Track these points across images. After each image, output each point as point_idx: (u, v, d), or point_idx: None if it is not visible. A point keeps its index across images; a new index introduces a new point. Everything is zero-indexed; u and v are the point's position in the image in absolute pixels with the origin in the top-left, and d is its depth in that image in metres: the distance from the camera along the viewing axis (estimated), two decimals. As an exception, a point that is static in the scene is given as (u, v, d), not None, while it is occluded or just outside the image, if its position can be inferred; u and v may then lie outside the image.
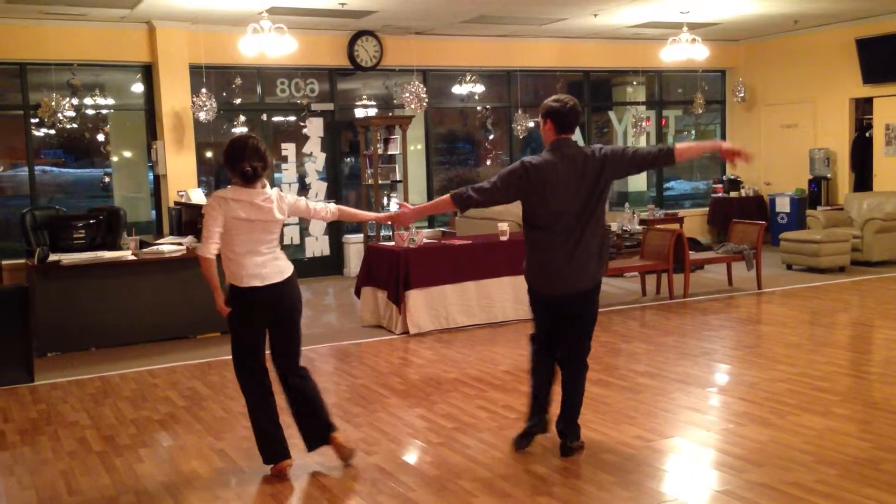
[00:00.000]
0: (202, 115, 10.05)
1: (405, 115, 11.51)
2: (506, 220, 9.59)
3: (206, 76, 10.27)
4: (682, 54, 10.58)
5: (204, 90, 10.10)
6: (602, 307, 8.64)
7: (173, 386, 6.27)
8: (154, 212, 10.83)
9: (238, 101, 10.89)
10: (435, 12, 10.18)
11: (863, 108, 12.50)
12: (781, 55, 13.23)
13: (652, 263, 9.17)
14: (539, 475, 4.23)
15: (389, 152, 11.37)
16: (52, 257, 7.48)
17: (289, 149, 11.27)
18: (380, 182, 11.20)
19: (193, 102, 10.10)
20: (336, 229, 11.61)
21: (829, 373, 5.98)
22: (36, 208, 9.41)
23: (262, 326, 4.36)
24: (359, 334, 7.87)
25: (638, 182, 14.45)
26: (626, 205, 12.60)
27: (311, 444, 4.46)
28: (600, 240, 4.41)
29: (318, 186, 11.45)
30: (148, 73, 10.43)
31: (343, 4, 9.35)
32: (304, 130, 11.34)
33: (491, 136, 12.92)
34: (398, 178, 11.41)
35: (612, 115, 13.94)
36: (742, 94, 13.49)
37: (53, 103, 9.50)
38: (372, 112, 11.88)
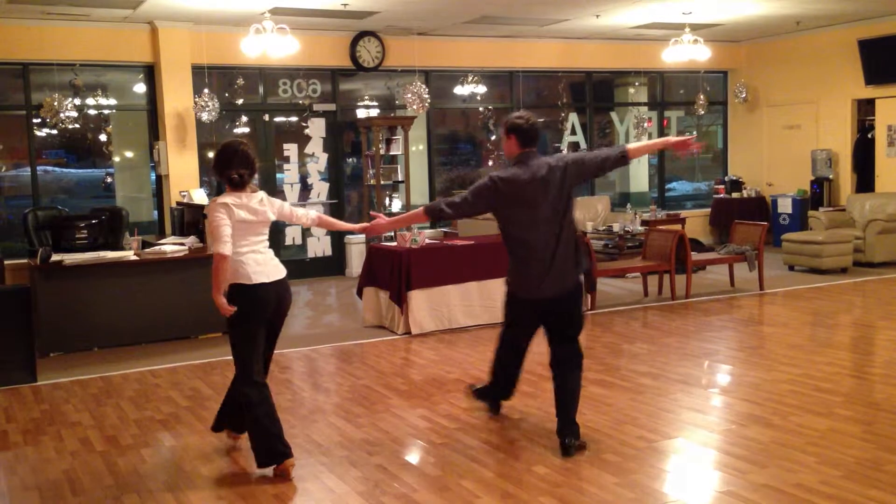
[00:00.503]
0: (204, 116, 10.06)
1: (407, 116, 11.52)
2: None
3: (208, 76, 10.28)
4: (684, 55, 10.59)
5: (206, 90, 10.11)
6: (604, 308, 8.73)
7: (175, 386, 6.28)
8: (156, 212, 10.83)
9: (240, 101, 10.90)
10: (437, 13, 10.18)
11: (865, 109, 12.49)
12: (784, 56, 13.23)
13: (654, 264, 9.16)
14: (541, 476, 4.23)
15: (391, 153, 11.38)
16: (55, 257, 7.49)
17: (291, 149, 11.27)
18: (382, 182, 11.20)
19: (196, 103, 10.11)
20: (337, 230, 11.59)
21: (832, 374, 5.98)
22: (38, 208, 9.41)
23: (266, 323, 4.42)
24: (361, 335, 7.87)
25: (640, 183, 14.45)
26: (628, 205, 12.61)
27: (218, 425, 4.80)
28: (574, 243, 4.65)
29: (321, 187, 11.45)
30: (150, 73, 10.44)
31: (345, 5, 9.36)
32: (307, 131, 11.35)
33: (493, 137, 12.91)
34: (400, 178, 11.41)
35: (613, 115, 13.93)
36: (744, 95, 13.49)
37: (56, 103, 9.52)
38: (374, 112, 11.88)
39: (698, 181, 15.11)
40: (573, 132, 13.25)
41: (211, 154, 11.40)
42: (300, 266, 11.38)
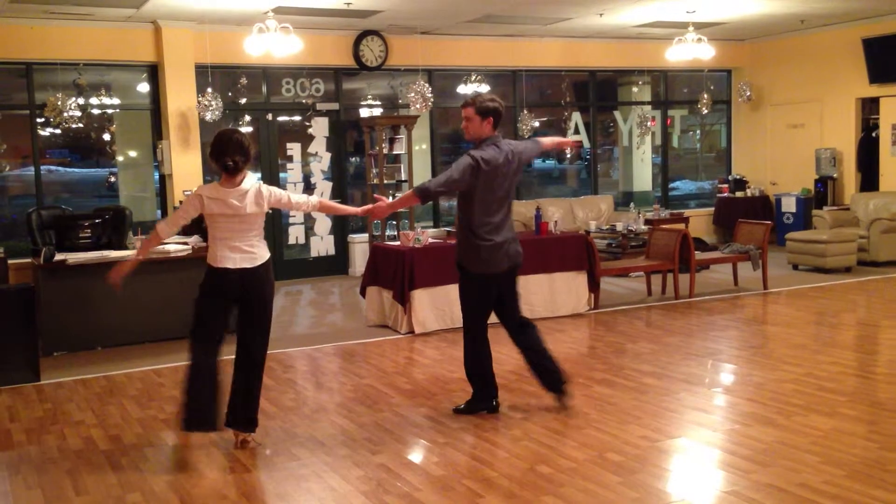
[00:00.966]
0: (208, 115, 10.06)
1: (410, 115, 11.51)
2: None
3: (211, 76, 10.28)
4: (687, 54, 10.57)
5: (209, 90, 10.11)
6: (607, 307, 8.72)
7: (178, 385, 6.24)
8: (159, 211, 10.83)
9: (243, 100, 10.90)
10: (440, 12, 10.17)
11: (869, 107, 12.46)
12: (788, 55, 13.21)
13: (657, 263, 9.15)
14: (545, 475, 4.23)
15: (394, 152, 11.38)
16: (58, 257, 7.49)
17: (294, 148, 11.28)
18: (385, 181, 11.20)
19: (199, 102, 10.11)
20: (341, 229, 11.61)
21: (836, 373, 5.97)
22: (42, 208, 9.41)
23: (226, 304, 4.74)
24: (364, 334, 7.86)
25: (643, 182, 14.44)
26: (632, 205, 12.60)
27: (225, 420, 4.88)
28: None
29: (324, 186, 11.45)
30: (154, 72, 10.44)
31: (348, 4, 9.35)
32: (310, 130, 11.35)
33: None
34: (403, 177, 11.41)
35: (617, 114, 13.92)
36: (748, 94, 13.47)
37: (59, 103, 9.52)
38: (377, 112, 11.88)
39: (702, 180, 15.09)
40: (576, 131, 13.23)
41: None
42: (303, 265, 11.39)
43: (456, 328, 7.83)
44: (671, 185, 14.48)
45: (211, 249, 4.75)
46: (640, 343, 7.20)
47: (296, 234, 11.28)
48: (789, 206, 12.85)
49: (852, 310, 8.59)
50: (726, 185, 13.78)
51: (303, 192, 11.27)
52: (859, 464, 4.22)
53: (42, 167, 10.18)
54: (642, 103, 13.84)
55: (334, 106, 11.52)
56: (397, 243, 8.09)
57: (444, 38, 11.72)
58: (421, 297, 7.70)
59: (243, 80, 10.80)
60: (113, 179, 11.33)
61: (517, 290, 5.24)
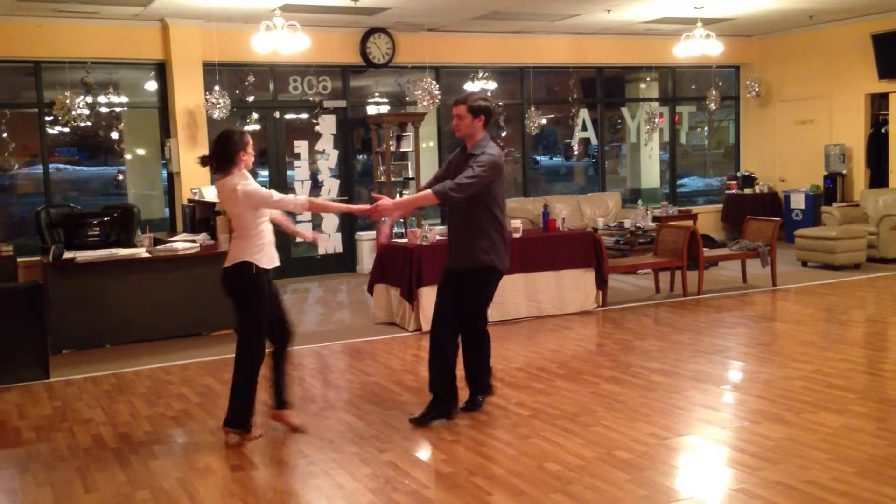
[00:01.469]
0: (215, 113, 10.07)
1: (417, 112, 11.51)
2: (519, 217, 9.58)
3: (219, 74, 10.29)
4: (696, 50, 10.52)
5: (217, 88, 10.12)
6: (615, 304, 8.71)
7: (187, 383, 6.30)
8: (167, 209, 10.87)
9: (251, 98, 10.91)
10: (447, 9, 10.16)
11: (878, 103, 12.40)
12: (796, 51, 13.15)
13: (666, 260, 9.13)
14: (553, 472, 4.22)
15: (402, 149, 11.37)
16: (67, 255, 7.52)
17: (301, 146, 11.28)
18: (392, 179, 11.19)
19: (207, 100, 10.12)
20: (348, 227, 11.62)
21: (845, 370, 5.94)
22: (51, 206, 9.46)
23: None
24: (371, 331, 7.87)
25: (651, 179, 14.40)
26: (640, 202, 12.57)
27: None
28: None
29: (331, 184, 11.46)
30: (161, 70, 10.46)
31: (356, 1, 9.34)
32: (317, 128, 11.36)
33: (503, 133, 12.89)
34: (410, 175, 11.40)
35: (624, 111, 13.88)
36: (756, 90, 13.41)
37: (68, 101, 9.55)
38: (384, 109, 11.88)
39: (710, 177, 15.05)
40: (584, 128, 13.22)
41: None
42: (311, 263, 11.40)
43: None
44: (679, 182, 14.44)
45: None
46: (648, 340, 7.18)
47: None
48: (798, 202, 12.80)
49: (861, 306, 8.55)
50: (735, 182, 13.74)
51: (310, 189, 11.31)
52: (869, 461, 4.21)
53: (50, 165, 10.22)
54: (650, 100, 13.80)
55: (342, 103, 11.52)
56: (405, 241, 8.09)
57: (452, 34, 11.71)
58: (429, 295, 7.67)
59: (251, 78, 10.80)
60: (121, 177, 11.36)
61: None
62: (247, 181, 4.78)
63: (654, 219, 11.12)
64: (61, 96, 9.58)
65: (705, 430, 4.81)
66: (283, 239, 10.90)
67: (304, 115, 11.60)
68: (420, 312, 7.67)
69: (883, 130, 12.23)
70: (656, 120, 13.17)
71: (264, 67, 10.95)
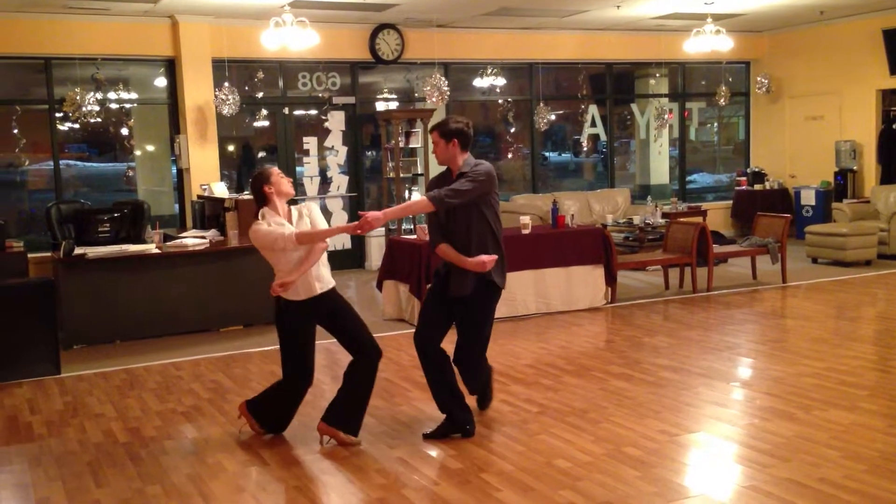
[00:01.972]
0: (225, 109, 10.09)
1: (426, 109, 11.50)
2: (528, 213, 9.57)
3: (228, 70, 10.30)
4: (705, 46, 10.47)
5: (226, 84, 10.13)
6: (624, 301, 8.69)
7: (197, 378, 6.32)
8: (177, 205, 10.89)
9: (260, 94, 10.93)
10: (456, 5, 10.15)
11: (889, 99, 12.33)
12: (807, 46, 13.08)
13: (675, 257, 9.11)
14: (562, 469, 4.22)
15: (411, 145, 11.37)
16: (78, 251, 7.55)
17: (310, 142, 11.30)
18: (401, 175, 11.20)
19: (216, 96, 10.14)
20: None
21: (856, 367, 5.92)
22: (61, 202, 9.48)
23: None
24: (381, 327, 7.87)
25: (660, 175, 14.36)
26: (649, 198, 12.53)
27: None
28: None
29: (340, 180, 11.48)
30: (171, 67, 10.48)
31: (365, -3, 9.35)
32: (326, 124, 11.37)
33: (512, 130, 12.88)
34: (419, 171, 11.40)
35: (634, 107, 13.84)
36: (766, 86, 13.35)
37: (78, 98, 9.57)
38: (393, 105, 11.88)
39: (720, 173, 15.00)
40: (593, 124, 13.19)
41: (232, 148, 11.47)
42: (320, 259, 11.39)
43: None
44: (688, 178, 14.40)
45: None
46: (657, 337, 7.17)
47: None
48: (808, 198, 12.74)
49: (872, 303, 8.51)
50: (745, 178, 13.68)
51: (319, 185, 11.34)
52: (880, 458, 4.19)
53: (61, 162, 10.25)
54: (660, 96, 13.76)
55: (350, 100, 11.53)
56: (414, 237, 8.09)
57: (461, 31, 11.70)
58: (437, 291, 7.69)
59: (260, 74, 10.81)
60: (131, 174, 11.39)
61: None
62: (259, 222, 4.60)
63: (664, 215, 11.09)
64: (71, 93, 9.61)
65: (715, 427, 4.80)
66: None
67: (314, 112, 11.60)
68: (429, 309, 7.66)
69: (894, 126, 12.15)
70: (666, 116, 13.13)
71: (273, 64, 10.97)
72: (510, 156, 13.20)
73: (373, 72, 11.90)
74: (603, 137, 13.39)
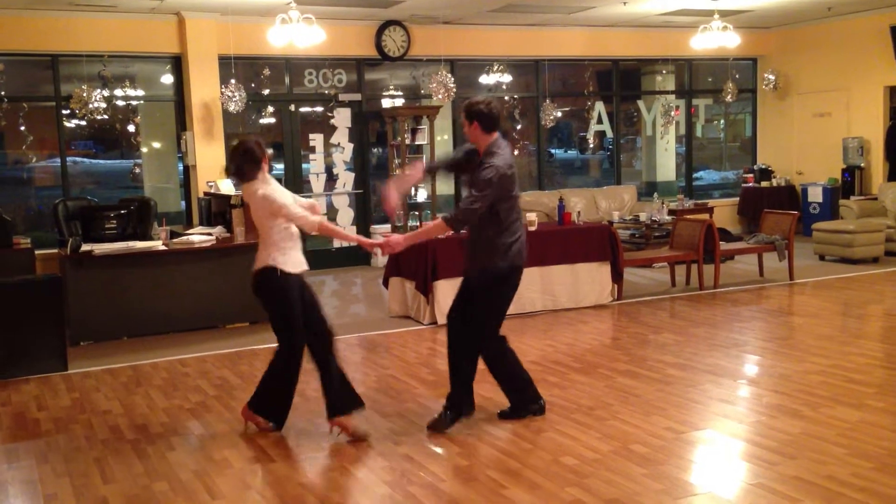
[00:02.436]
0: (231, 106, 10.10)
1: (432, 105, 11.49)
2: (534, 210, 9.56)
3: (234, 67, 10.31)
4: (713, 42, 10.44)
5: (233, 81, 10.14)
6: (630, 298, 8.68)
7: (204, 375, 6.33)
8: (184, 202, 10.91)
9: (266, 91, 10.94)
10: (462, 1, 10.13)
11: (898, 96, 12.30)
12: (814, 42, 13.04)
13: (682, 254, 9.09)
14: (569, 466, 4.22)
15: (417, 142, 11.36)
16: (85, 247, 7.57)
17: (316, 139, 11.30)
18: (407, 172, 11.17)
19: (222, 93, 10.15)
20: (363, 220, 11.63)
21: (863, 365, 5.90)
22: (68, 199, 9.51)
23: None
24: (387, 325, 7.88)
25: (667, 172, 14.34)
26: (655, 195, 12.52)
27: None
28: None
29: (346, 177, 11.47)
30: (177, 64, 10.49)
31: (371, -6, 9.34)
32: (332, 121, 11.37)
33: (518, 126, 12.86)
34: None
35: (640, 104, 13.82)
36: (774, 83, 13.31)
37: (85, 94, 9.59)
38: (399, 102, 11.87)
39: (726, 170, 14.96)
40: (599, 121, 13.17)
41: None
42: (326, 256, 11.41)
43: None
44: (695, 175, 14.37)
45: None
46: (664, 334, 7.16)
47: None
48: (816, 195, 12.71)
49: (880, 301, 8.48)
50: (751, 175, 13.64)
51: (325, 182, 11.33)
52: (887, 456, 4.18)
53: (68, 158, 10.28)
54: (666, 92, 13.73)
55: (356, 96, 11.53)
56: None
57: (467, 27, 11.68)
58: (443, 288, 7.68)
59: (266, 71, 10.82)
60: (137, 170, 11.42)
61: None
62: (270, 186, 4.76)
63: (670, 212, 11.07)
64: (78, 90, 9.63)
65: (722, 425, 4.79)
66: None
67: (320, 109, 11.60)
68: (435, 306, 7.67)
69: (902, 123, 12.12)
70: (672, 113, 13.10)
71: (279, 60, 10.97)
72: (516, 152, 13.18)
73: (379, 69, 11.90)
74: (609, 134, 13.36)
